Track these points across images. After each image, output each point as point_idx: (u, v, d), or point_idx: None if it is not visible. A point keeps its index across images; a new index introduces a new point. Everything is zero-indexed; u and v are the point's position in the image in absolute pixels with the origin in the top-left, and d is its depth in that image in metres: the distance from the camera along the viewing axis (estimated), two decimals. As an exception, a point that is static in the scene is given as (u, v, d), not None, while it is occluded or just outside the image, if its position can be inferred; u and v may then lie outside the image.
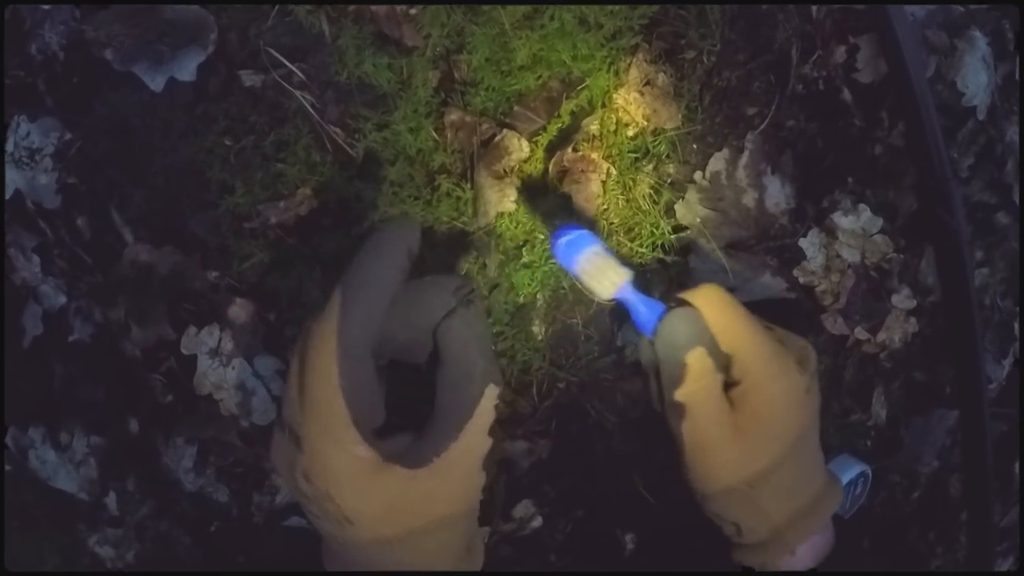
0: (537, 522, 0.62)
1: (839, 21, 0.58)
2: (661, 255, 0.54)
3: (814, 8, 0.57)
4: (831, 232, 0.61)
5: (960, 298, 0.61)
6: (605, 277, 0.42)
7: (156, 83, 0.54)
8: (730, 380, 0.43)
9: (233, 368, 0.56)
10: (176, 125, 0.55)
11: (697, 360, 0.41)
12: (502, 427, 0.58)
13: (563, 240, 0.42)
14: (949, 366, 0.67)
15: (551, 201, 0.51)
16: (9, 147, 0.59)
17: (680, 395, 0.42)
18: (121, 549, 0.63)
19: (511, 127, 0.49)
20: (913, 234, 0.62)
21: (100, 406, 0.61)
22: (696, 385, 0.41)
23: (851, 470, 0.65)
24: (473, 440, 0.38)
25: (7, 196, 0.60)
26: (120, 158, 0.57)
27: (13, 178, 0.60)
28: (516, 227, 0.50)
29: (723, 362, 0.43)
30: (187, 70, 0.52)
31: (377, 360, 0.38)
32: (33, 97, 0.59)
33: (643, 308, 0.43)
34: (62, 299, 0.60)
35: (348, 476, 0.36)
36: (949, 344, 0.64)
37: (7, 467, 0.62)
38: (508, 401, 0.57)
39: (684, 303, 0.43)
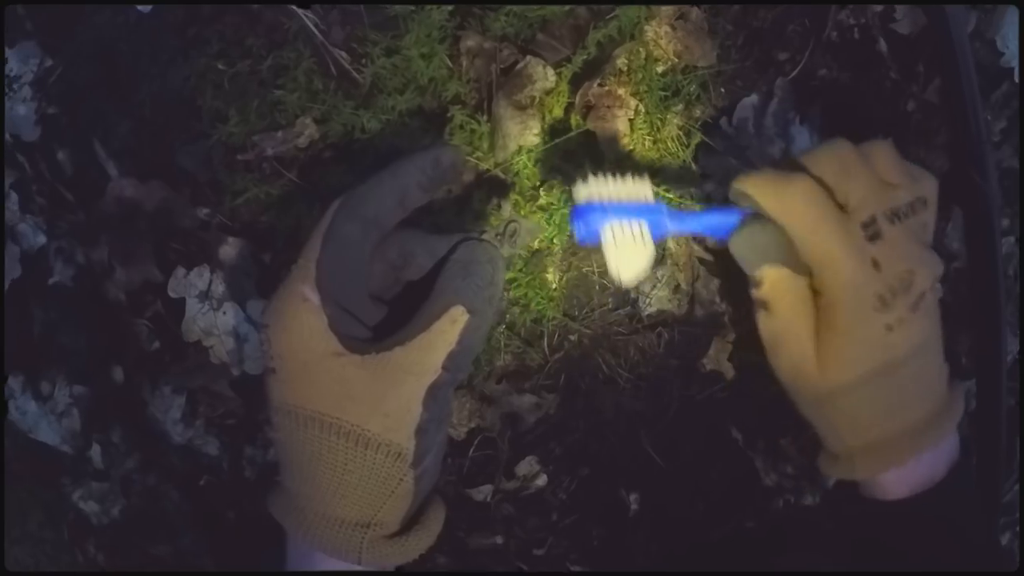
0: (541, 480, 0.56)
1: (880, -35, 0.52)
2: (689, 202, 0.47)
3: (856, -51, 0.50)
4: (857, 191, 0.55)
5: (986, 265, 0.55)
6: (631, 257, 0.36)
7: (144, 3, 0.46)
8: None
9: (224, 313, 0.49)
10: (165, 49, 0.48)
11: (769, 277, 0.36)
12: (506, 422, 0.52)
13: (580, 214, 0.36)
14: (967, 336, 0.61)
15: (574, 139, 0.44)
16: (-16, 73, 0.52)
17: (759, 294, 0.36)
18: (106, 504, 0.56)
19: (535, 55, 0.42)
20: (942, 196, 0.55)
21: (83, 353, 0.54)
22: (775, 291, 0.36)
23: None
24: (413, 355, 0.32)
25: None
26: (104, 86, 0.50)
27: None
28: (535, 164, 0.44)
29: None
30: (178, -15, 0.45)
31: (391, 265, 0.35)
32: (11, 21, 0.51)
33: (715, 218, 0.37)
34: (41, 239, 0.53)
35: (296, 329, 0.32)
36: (971, 312, 0.59)
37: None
38: (517, 353, 0.51)
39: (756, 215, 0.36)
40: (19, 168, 0.53)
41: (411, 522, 0.35)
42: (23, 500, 0.59)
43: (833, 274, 0.34)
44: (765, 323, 0.37)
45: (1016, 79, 0.57)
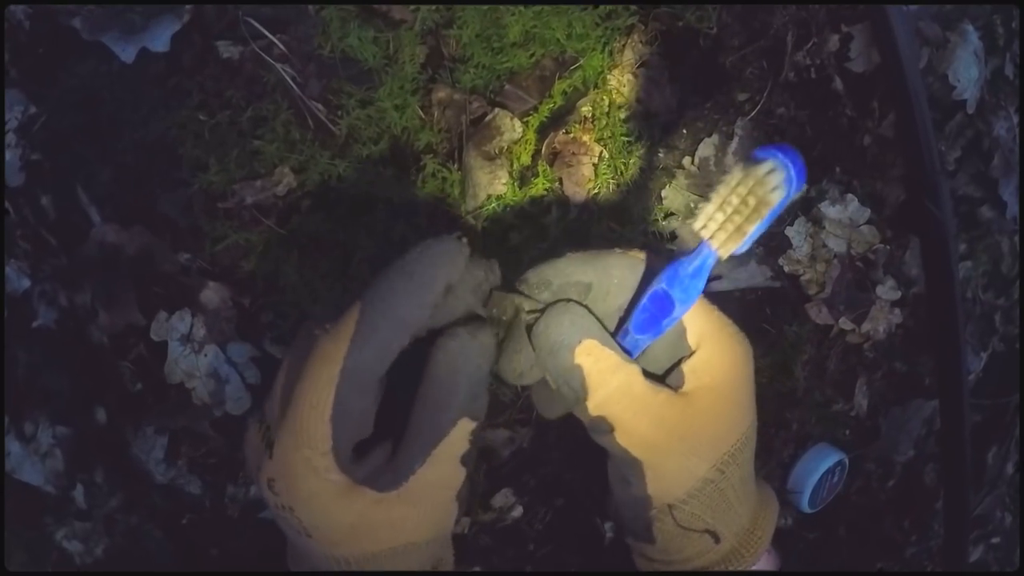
0: (517, 512, 0.58)
1: (834, 10, 0.55)
2: (651, 241, 0.50)
3: (809, -5, 0.53)
4: (818, 221, 0.58)
5: (944, 290, 0.59)
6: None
7: (127, 54, 0.49)
8: (684, 354, 0.36)
9: (205, 355, 0.51)
10: (147, 99, 0.50)
11: (593, 357, 0.33)
12: (481, 456, 0.54)
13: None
14: (928, 357, 0.64)
15: (540, 184, 0.47)
16: (-33, 120, 0.54)
17: (595, 408, 0.33)
18: (90, 543, 0.58)
19: (502, 106, 0.45)
20: (899, 225, 0.59)
21: (66, 395, 0.56)
22: (609, 387, 0.33)
23: (829, 459, 0.62)
24: (441, 469, 0.33)
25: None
26: (87, 133, 0.52)
27: (-29, 153, 0.54)
28: (504, 210, 0.46)
29: (677, 346, 0.35)
30: (160, 40, 0.47)
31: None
32: (-6, 68, 0.53)
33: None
34: (25, 282, 0.55)
35: (314, 496, 0.32)
36: (931, 335, 0.62)
37: (-35, 458, 0.57)
38: (490, 389, 0.54)
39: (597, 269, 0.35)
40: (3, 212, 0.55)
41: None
42: (6, 540, 0.60)
43: (713, 315, 0.36)
44: (624, 439, 0.34)
45: (968, 110, 0.61)
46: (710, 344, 0.35)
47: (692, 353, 0.35)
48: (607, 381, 0.33)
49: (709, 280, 0.58)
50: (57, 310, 0.54)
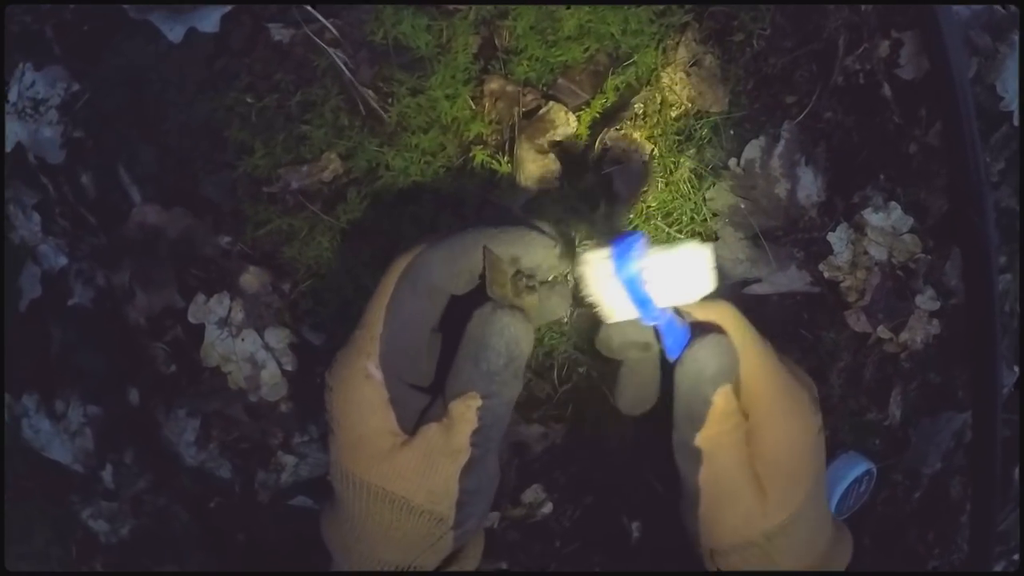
0: (547, 508, 0.58)
1: (885, 15, 0.55)
2: (699, 242, 0.50)
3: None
4: (860, 228, 0.57)
5: (983, 303, 0.58)
6: (687, 274, 0.33)
7: (175, 33, 0.48)
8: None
9: (243, 340, 0.51)
10: (193, 80, 0.50)
11: (725, 400, 0.34)
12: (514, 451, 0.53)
13: (633, 252, 0.33)
14: (962, 369, 0.64)
15: (590, 180, 0.46)
16: (12, 97, 0.54)
17: (702, 439, 0.35)
18: (115, 524, 0.58)
19: (555, 99, 0.45)
20: (941, 235, 0.58)
21: (99, 375, 0.56)
22: (721, 427, 0.35)
23: (857, 467, 0.62)
24: (446, 436, 0.34)
25: (8, 149, 0.54)
26: (131, 113, 0.52)
27: (15, 130, 0.54)
28: (554, 204, 0.46)
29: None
30: (210, 21, 0.47)
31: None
32: (40, 45, 0.53)
33: (679, 324, 0.35)
34: (63, 260, 0.55)
35: (346, 389, 0.35)
36: (968, 347, 0.62)
37: (-3, 434, 0.57)
38: (527, 383, 0.53)
39: (708, 326, 0.35)
40: (42, 190, 0.55)
41: (450, 556, 0.38)
42: (31, 517, 0.61)
43: (774, 380, 0.35)
44: (709, 476, 0.35)
45: (1015, 122, 0.61)
46: (763, 414, 0.36)
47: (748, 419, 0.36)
48: (726, 422, 0.35)
49: (748, 283, 0.58)
50: (94, 289, 0.54)
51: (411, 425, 0.35)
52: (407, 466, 0.34)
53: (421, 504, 0.35)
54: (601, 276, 0.34)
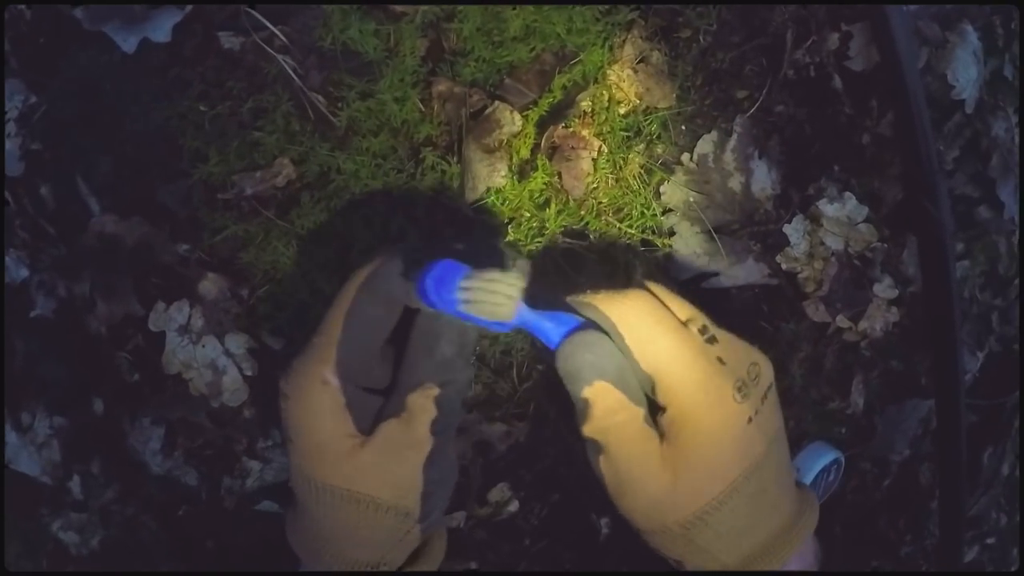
0: (513, 506, 0.59)
1: (834, 8, 0.55)
2: (650, 236, 0.50)
3: (809, -6, 0.54)
4: (816, 219, 0.58)
5: (941, 289, 0.59)
6: (499, 294, 0.34)
7: (128, 44, 0.49)
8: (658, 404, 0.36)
9: (203, 346, 0.52)
10: (148, 89, 0.50)
11: (600, 396, 0.34)
12: (477, 451, 0.54)
13: (430, 279, 0.34)
14: (925, 356, 0.65)
15: (539, 178, 0.47)
16: (-32, 110, 0.54)
17: (590, 431, 0.35)
18: (86, 535, 0.58)
19: (502, 99, 0.46)
20: (897, 224, 0.59)
21: (63, 385, 0.56)
22: (606, 422, 0.34)
23: (824, 457, 0.63)
24: (405, 428, 0.35)
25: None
26: (87, 123, 0.52)
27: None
28: (503, 204, 0.47)
29: (646, 385, 0.36)
30: (162, 30, 0.47)
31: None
32: (-5, 57, 0.53)
33: (549, 324, 0.35)
34: (24, 272, 0.55)
35: (302, 398, 0.36)
36: (928, 334, 0.62)
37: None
38: (487, 383, 0.54)
39: (590, 321, 0.35)
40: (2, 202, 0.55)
41: (415, 553, 0.39)
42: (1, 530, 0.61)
43: (687, 374, 0.34)
44: (607, 466, 0.35)
45: (967, 110, 0.62)
46: (678, 408, 0.35)
47: (653, 390, 0.35)
48: (606, 417, 0.35)
49: (706, 277, 0.58)
50: (56, 300, 0.55)
51: (367, 427, 0.36)
52: (370, 464, 0.35)
53: (387, 500, 0.35)
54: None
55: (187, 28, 0.48)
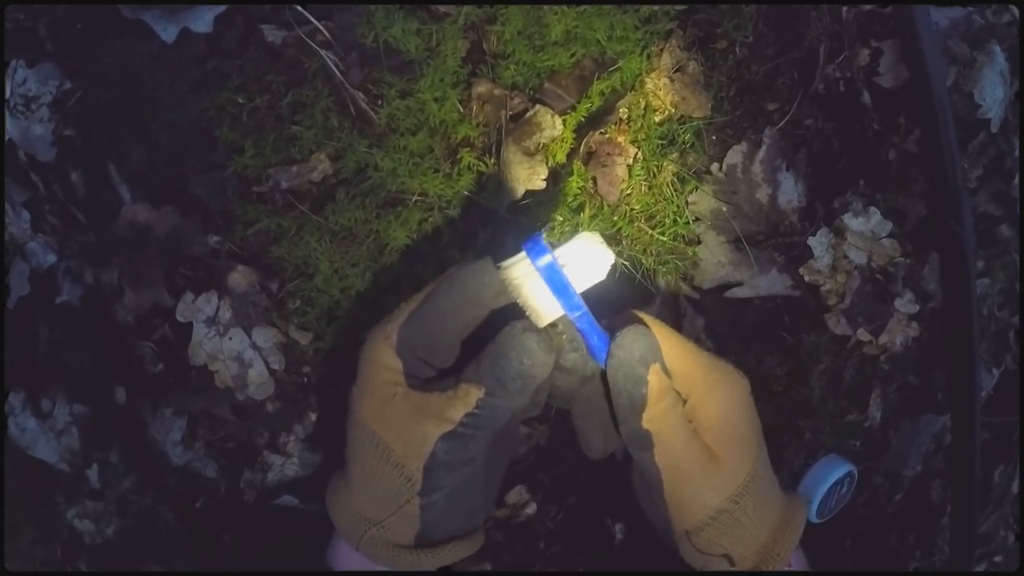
0: (531, 509, 0.59)
1: (865, 24, 0.56)
2: (681, 244, 0.51)
3: (844, 9, 0.55)
4: (840, 233, 0.59)
5: (961, 306, 0.60)
6: (594, 259, 0.37)
7: (168, 33, 0.49)
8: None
9: (230, 339, 0.52)
10: (185, 79, 0.50)
11: (658, 377, 0.38)
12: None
13: (532, 244, 0.36)
14: (942, 372, 0.65)
15: (575, 183, 0.47)
16: (5, 93, 0.54)
17: (648, 422, 0.38)
18: (101, 524, 0.58)
19: (542, 103, 0.46)
20: (920, 240, 0.60)
21: (86, 373, 0.56)
22: (661, 405, 0.38)
23: (838, 470, 0.63)
24: (436, 404, 0.38)
25: (-3, 145, 0.55)
26: (122, 111, 0.52)
27: (6, 127, 0.54)
28: (538, 206, 0.47)
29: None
30: (203, 21, 0.48)
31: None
32: (32, 42, 0.54)
33: (596, 334, 0.38)
34: (52, 258, 0.55)
35: (371, 360, 0.39)
36: (946, 350, 0.63)
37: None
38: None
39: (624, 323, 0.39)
40: (33, 187, 0.55)
41: (429, 546, 0.40)
42: (16, 517, 0.60)
43: (698, 363, 0.39)
44: (664, 456, 0.39)
45: (992, 129, 0.62)
46: (700, 390, 0.40)
47: (685, 401, 0.40)
48: (664, 399, 0.38)
49: (729, 287, 0.59)
50: (82, 287, 0.55)
51: (415, 387, 0.39)
52: (397, 413, 0.38)
53: (397, 455, 0.38)
54: (523, 277, 0.37)
55: (229, 19, 0.49)
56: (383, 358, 0.39)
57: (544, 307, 0.36)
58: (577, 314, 0.37)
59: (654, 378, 0.38)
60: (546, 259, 0.36)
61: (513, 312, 0.37)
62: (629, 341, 0.38)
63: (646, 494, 0.41)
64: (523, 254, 0.36)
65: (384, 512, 0.39)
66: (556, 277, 0.36)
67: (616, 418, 0.39)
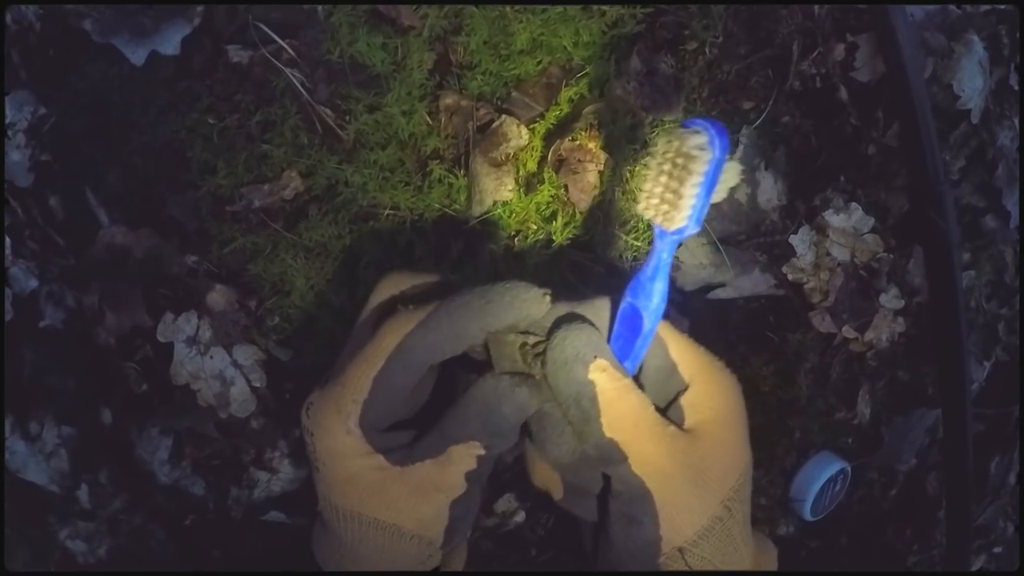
0: (520, 517, 0.59)
1: (839, 19, 0.56)
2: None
3: (816, 5, 0.54)
4: (822, 230, 0.58)
5: (947, 299, 0.59)
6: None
7: (137, 56, 0.49)
8: (679, 389, 0.37)
9: (211, 357, 0.52)
10: (156, 102, 0.51)
11: (607, 375, 0.33)
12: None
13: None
14: (932, 366, 0.65)
15: (546, 191, 0.47)
16: (-22, 121, 0.54)
17: (608, 428, 0.33)
18: (93, 543, 0.58)
19: (509, 113, 0.46)
20: (903, 234, 0.60)
21: (72, 395, 0.57)
22: (623, 406, 0.33)
23: (831, 467, 0.63)
24: (443, 471, 0.35)
25: (-26, 173, 0.55)
26: (96, 135, 0.53)
27: (-5, 151, 0.55)
28: (510, 216, 0.47)
29: (665, 373, 0.36)
30: (171, 43, 0.48)
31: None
32: (7, 69, 0.54)
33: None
34: (33, 283, 0.56)
35: (331, 432, 0.35)
36: (934, 344, 0.63)
37: (-29, 457, 0.57)
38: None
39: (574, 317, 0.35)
40: (12, 213, 0.55)
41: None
42: (9, 539, 0.61)
43: (699, 350, 0.37)
44: (638, 464, 0.34)
45: (973, 120, 0.62)
46: (705, 379, 0.36)
47: (687, 388, 0.36)
48: (621, 400, 0.34)
49: (712, 288, 0.59)
50: (64, 310, 0.55)
51: (395, 452, 0.36)
52: (398, 498, 0.35)
53: (412, 530, 0.36)
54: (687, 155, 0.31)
55: (196, 41, 0.49)
56: (351, 450, 0.35)
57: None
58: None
59: (600, 376, 0.33)
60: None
61: None
62: (560, 339, 0.33)
63: (626, 515, 0.36)
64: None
65: (406, 571, 0.37)
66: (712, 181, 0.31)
67: (576, 431, 0.35)
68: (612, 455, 0.34)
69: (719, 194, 0.32)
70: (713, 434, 0.35)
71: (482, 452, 0.35)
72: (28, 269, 0.56)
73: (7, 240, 0.56)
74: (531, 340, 0.35)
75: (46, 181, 0.54)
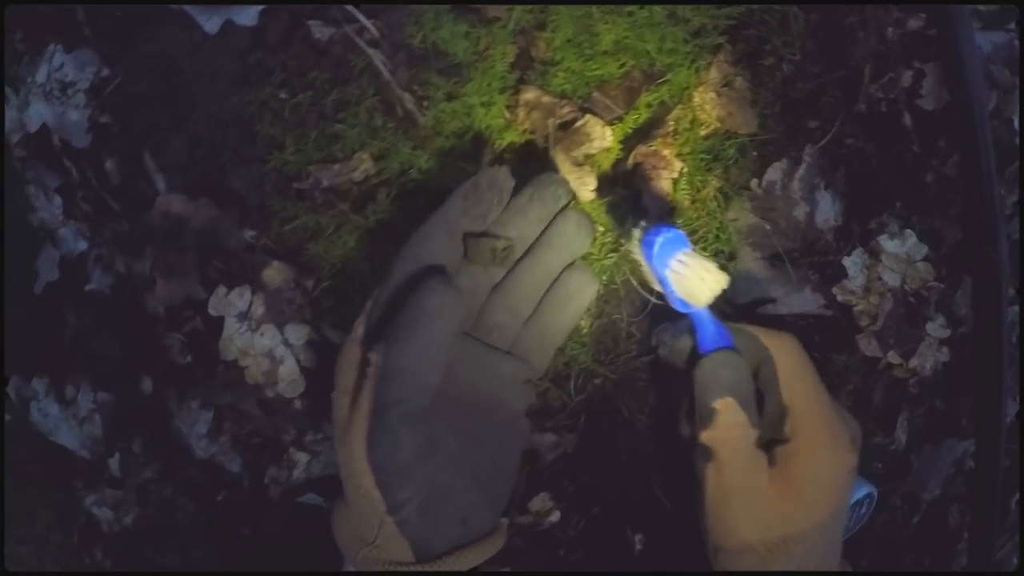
0: (554, 517, 0.59)
1: (909, 45, 0.56)
2: (721, 260, 0.51)
3: (889, 29, 0.54)
4: (875, 254, 0.59)
5: (992, 332, 0.60)
6: (702, 281, 0.38)
7: (211, 24, 0.49)
8: (779, 436, 0.40)
9: (262, 334, 0.52)
10: (227, 72, 0.50)
11: (728, 410, 0.39)
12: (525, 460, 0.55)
13: (660, 238, 0.39)
14: (968, 397, 0.65)
15: (618, 195, 0.47)
16: (40, 77, 0.54)
17: (707, 438, 0.39)
18: (120, 512, 0.58)
19: (591, 113, 0.46)
20: (954, 264, 0.60)
21: (112, 362, 0.56)
22: (726, 433, 0.39)
23: (859, 490, 0.63)
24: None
25: (32, 130, 0.55)
26: (161, 101, 0.52)
27: (41, 111, 0.54)
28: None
29: (776, 416, 0.40)
30: (248, 14, 0.48)
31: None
32: (71, 26, 0.53)
33: (712, 328, 0.40)
34: (82, 245, 0.55)
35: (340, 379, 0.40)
36: (974, 376, 0.63)
37: (7, 416, 0.57)
38: (542, 392, 0.54)
39: (746, 339, 0.41)
40: (65, 173, 0.55)
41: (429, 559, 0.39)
42: (33, 501, 0.60)
43: (822, 412, 0.39)
44: (714, 473, 0.39)
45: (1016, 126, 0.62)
46: (803, 440, 0.39)
47: (787, 442, 0.40)
48: (728, 430, 0.39)
49: (763, 303, 0.59)
50: (113, 276, 0.55)
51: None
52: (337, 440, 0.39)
53: (345, 478, 0.39)
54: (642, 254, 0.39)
55: (273, 14, 0.49)
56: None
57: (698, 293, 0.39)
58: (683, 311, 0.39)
59: (722, 408, 0.38)
60: (661, 258, 0.39)
61: None
62: (714, 366, 0.39)
63: (696, 495, 0.42)
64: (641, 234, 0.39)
65: (372, 532, 0.39)
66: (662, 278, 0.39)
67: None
68: (701, 453, 0.40)
69: (702, 297, 0.39)
70: (786, 495, 0.39)
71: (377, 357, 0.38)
72: (79, 231, 0.55)
73: (59, 200, 0.55)
74: (500, 244, 0.41)
75: (104, 143, 0.54)
